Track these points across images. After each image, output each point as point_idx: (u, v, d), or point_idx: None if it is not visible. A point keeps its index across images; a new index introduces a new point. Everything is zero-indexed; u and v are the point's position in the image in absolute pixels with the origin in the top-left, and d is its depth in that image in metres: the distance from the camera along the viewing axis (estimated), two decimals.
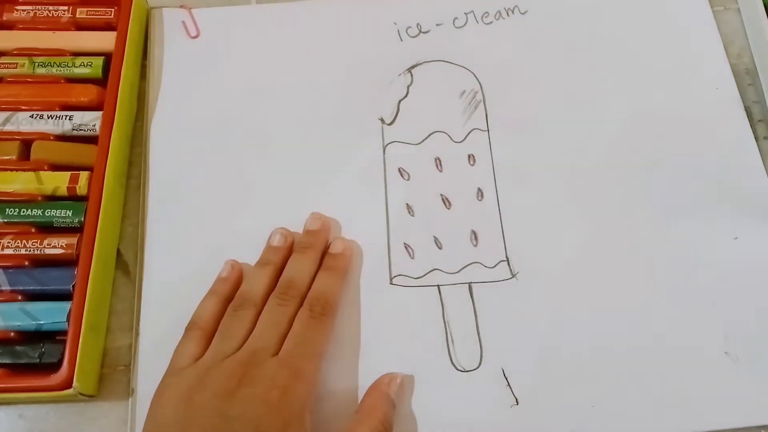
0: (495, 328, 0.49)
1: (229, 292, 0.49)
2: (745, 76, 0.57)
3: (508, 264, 0.51)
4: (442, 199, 0.53)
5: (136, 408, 0.47)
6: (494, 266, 0.51)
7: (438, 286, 0.50)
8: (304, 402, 0.43)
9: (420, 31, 0.59)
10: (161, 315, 0.49)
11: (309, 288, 0.48)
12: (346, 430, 0.44)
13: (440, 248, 0.51)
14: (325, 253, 0.51)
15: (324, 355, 0.47)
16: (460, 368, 0.48)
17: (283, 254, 0.50)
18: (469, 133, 0.55)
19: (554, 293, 0.50)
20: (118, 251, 0.52)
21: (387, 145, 0.55)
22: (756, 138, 0.54)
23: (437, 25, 0.59)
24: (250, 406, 0.41)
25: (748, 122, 0.55)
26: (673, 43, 0.58)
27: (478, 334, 0.49)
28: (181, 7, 0.59)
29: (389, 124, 0.55)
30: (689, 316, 0.49)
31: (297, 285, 0.48)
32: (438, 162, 0.54)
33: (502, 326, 0.49)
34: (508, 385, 0.48)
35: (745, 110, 0.55)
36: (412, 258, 0.51)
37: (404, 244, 0.52)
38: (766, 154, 0.54)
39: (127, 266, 0.52)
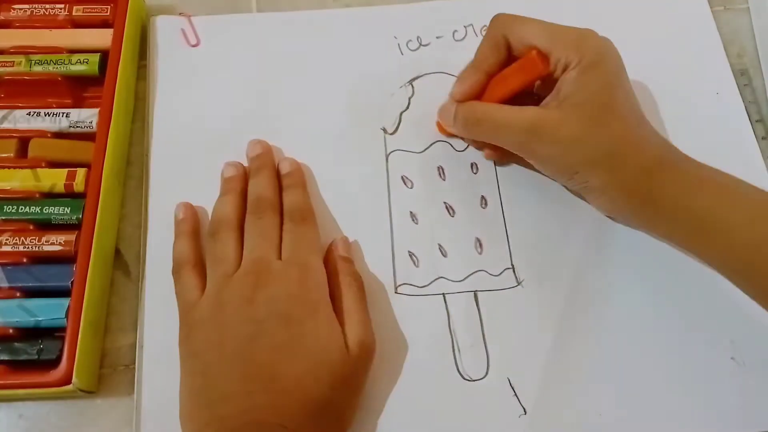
0: (501, 336, 0.49)
1: (194, 229, 0.50)
2: (740, 77, 0.58)
3: (514, 271, 0.51)
4: (446, 207, 0.52)
5: (140, 408, 0.46)
6: (499, 274, 0.51)
7: (443, 294, 0.50)
8: (322, 287, 0.46)
9: (420, 44, 0.59)
10: (163, 315, 0.48)
11: (278, 199, 0.50)
12: (331, 299, 0.46)
13: (445, 256, 0.51)
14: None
15: (320, 250, 0.49)
16: (466, 377, 0.47)
17: (241, 180, 0.51)
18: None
19: (560, 300, 0.50)
20: (119, 251, 0.51)
21: (390, 153, 0.54)
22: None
23: (437, 38, 0.59)
24: (274, 304, 0.44)
25: (749, 122, 0.56)
26: (673, 44, 0.59)
27: (485, 342, 0.48)
28: (180, 14, 0.59)
29: (391, 134, 0.55)
30: (695, 322, 0.49)
31: (266, 198, 0.49)
32: (441, 170, 0.54)
33: (509, 334, 0.49)
34: (515, 395, 0.47)
35: None
36: (417, 266, 0.51)
37: (408, 252, 0.51)
38: (764, 155, 0.55)
39: (127, 266, 0.51)
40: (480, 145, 0.54)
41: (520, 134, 0.47)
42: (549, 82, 0.48)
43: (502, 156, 0.53)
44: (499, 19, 0.49)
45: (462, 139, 0.55)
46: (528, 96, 0.50)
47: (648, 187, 0.46)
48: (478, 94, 0.50)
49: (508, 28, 0.48)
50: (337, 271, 0.48)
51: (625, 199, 0.47)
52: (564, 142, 0.46)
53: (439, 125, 0.55)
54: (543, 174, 0.51)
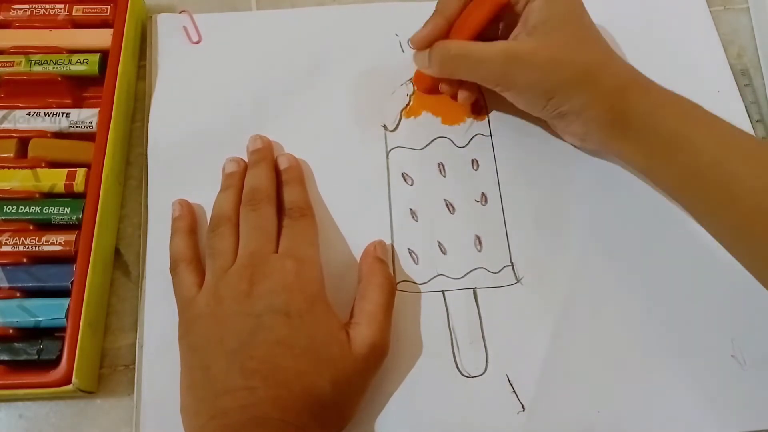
0: (500, 333, 0.49)
1: (190, 225, 0.50)
2: (741, 77, 0.58)
3: (513, 269, 0.51)
4: (446, 204, 0.52)
5: (140, 408, 0.46)
6: (499, 271, 0.51)
7: (443, 291, 0.50)
8: (319, 281, 0.46)
9: None
10: (163, 315, 0.48)
11: (274, 192, 0.50)
12: (359, 297, 0.47)
13: (444, 253, 0.51)
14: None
15: (318, 245, 0.49)
16: (465, 374, 0.48)
17: (241, 176, 0.51)
18: (472, 139, 0.55)
19: (559, 298, 0.50)
20: (119, 251, 0.51)
21: (390, 150, 0.54)
22: None
23: None
24: (272, 297, 0.44)
25: (749, 122, 0.56)
26: (673, 44, 0.59)
27: (484, 339, 0.48)
28: (182, 12, 0.59)
29: (392, 131, 0.55)
30: (695, 320, 0.49)
31: (261, 189, 0.49)
32: (441, 167, 0.54)
33: (507, 331, 0.49)
34: (514, 391, 0.47)
35: None
36: (417, 263, 0.51)
37: (408, 249, 0.51)
38: None
39: (127, 266, 0.51)
40: (455, 88, 0.54)
41: (498, 65, 0.48)
42: (513, 20, 0.49)
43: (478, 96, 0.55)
44: None
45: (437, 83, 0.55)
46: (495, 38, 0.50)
47: (621, 106, 0.47)
48: (441, 38, 0.50)
49: None
50: (372, 271, 0.48)
51: (599, 119, 0.48)
52: (542, 65, 0.47)
53: (417, 78, 0.56)
54: (517, 108, 0.52)
